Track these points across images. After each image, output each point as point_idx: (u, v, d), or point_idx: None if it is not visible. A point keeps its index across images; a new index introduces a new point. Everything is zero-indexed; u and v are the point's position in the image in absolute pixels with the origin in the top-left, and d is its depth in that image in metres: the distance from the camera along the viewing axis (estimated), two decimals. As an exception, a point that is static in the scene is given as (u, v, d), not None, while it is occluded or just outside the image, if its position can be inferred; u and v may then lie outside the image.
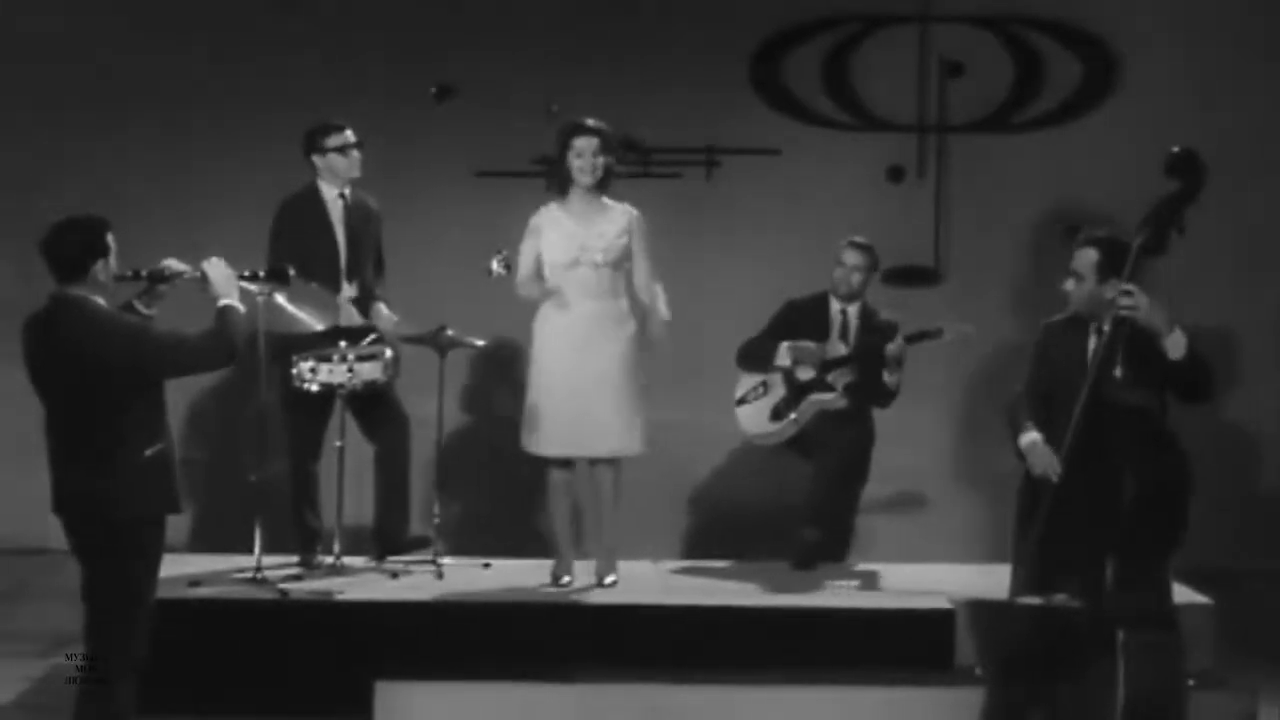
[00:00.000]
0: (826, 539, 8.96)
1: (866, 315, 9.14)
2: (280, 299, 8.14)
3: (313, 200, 8.82)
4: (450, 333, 8.77)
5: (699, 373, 9.23)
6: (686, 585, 8.70)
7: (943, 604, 8.10)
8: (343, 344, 8.54)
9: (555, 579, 8.50)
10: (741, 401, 9.09)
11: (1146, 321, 6.65)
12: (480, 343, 8.90)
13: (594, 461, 8.42)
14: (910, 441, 9.94)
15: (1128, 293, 6.60)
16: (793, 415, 8.96)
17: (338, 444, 8.65)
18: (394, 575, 8.58)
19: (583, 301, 8.31)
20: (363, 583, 8.48)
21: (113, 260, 6.50)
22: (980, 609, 7.11)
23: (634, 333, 8.37)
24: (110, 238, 6.50)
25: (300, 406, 8.66)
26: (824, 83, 10.60)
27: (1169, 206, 6.65)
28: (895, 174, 10.62)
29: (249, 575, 8.30)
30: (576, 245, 8.30)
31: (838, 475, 8.94)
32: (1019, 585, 6.77)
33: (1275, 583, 10.12)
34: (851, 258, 9.11)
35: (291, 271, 7.49)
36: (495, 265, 8.59)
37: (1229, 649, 8.11)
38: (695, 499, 10.50)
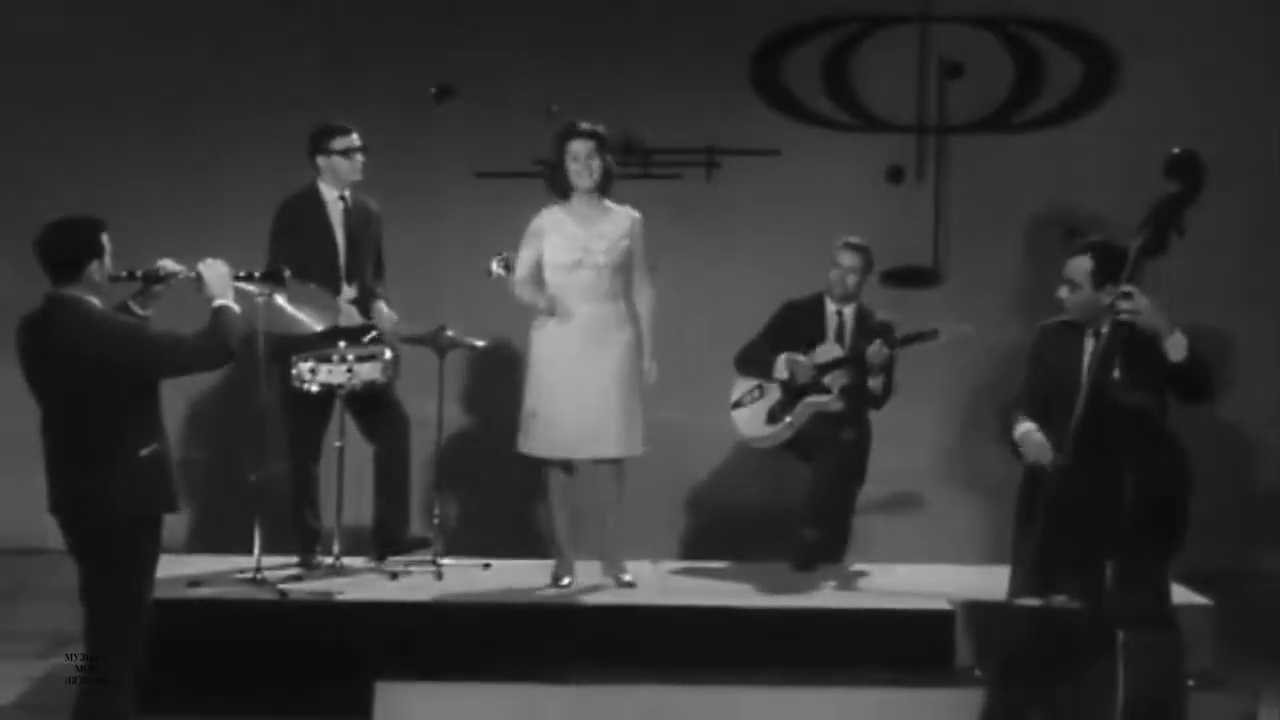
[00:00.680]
0: (826, 540, 8.96)
1: (863, 316, 9.14)
2: (280, 300, 8.15)
3: (313, 201, 8.82)
4: (450, 333, 8.77)
5: (698, 373, 9.23)
6: (686, 585, 8.70)
7: (942, 604, 8.10)
8: (342, 344, 8.54)
9: (556, 580, 8.49)
10: (737, 405, 9.09)
11: (1148, 324, 6.65)
12: (480, 343, 8.90)
13: (597, 463, 8.42)
14: (910, 442, 9.94)
15: (1128, 295, 6.60)
16: (788, 418, 8.96)
17: (338, 444, 8.65)
18: (394, 576, 8.58)
19: (584, 304, 8.30)
20: (362, 583, 8.49)
21: (107, 260, 6.50)
22: (980, 610, 7.12)
23: (633, 334, 8.37)
24: (105, 238, 6.50)
25: (300, 407, 8.66)
26: (824, 83, 10.61)
27: (1169, 207, 6.64)
28: (895, 174, 10.62)
29: (249, 576, 8.30)
30: (579, 247, 8.30)
31: (836, 476, 8.94)
32: (1018, 586, 6.77)
33: (1275, 583, 10.12)
34: (847, 259, 9.10)
35: (287, 272, 7.50)
36: (495, 265, 8.60)
37: (1229, 649, 8.11)
38: (694, 499, 10.50)
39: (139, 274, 6.68)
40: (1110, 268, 6.81)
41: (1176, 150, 6.73)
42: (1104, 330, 6.73)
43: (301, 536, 8.80)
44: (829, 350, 9.03)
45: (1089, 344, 6.92)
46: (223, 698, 7.86)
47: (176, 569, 8.23)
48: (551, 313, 8.29)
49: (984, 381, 9.94)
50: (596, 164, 8.31)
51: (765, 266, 10.10)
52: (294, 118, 9.57)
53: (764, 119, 10.54)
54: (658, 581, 8.71)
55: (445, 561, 8.69)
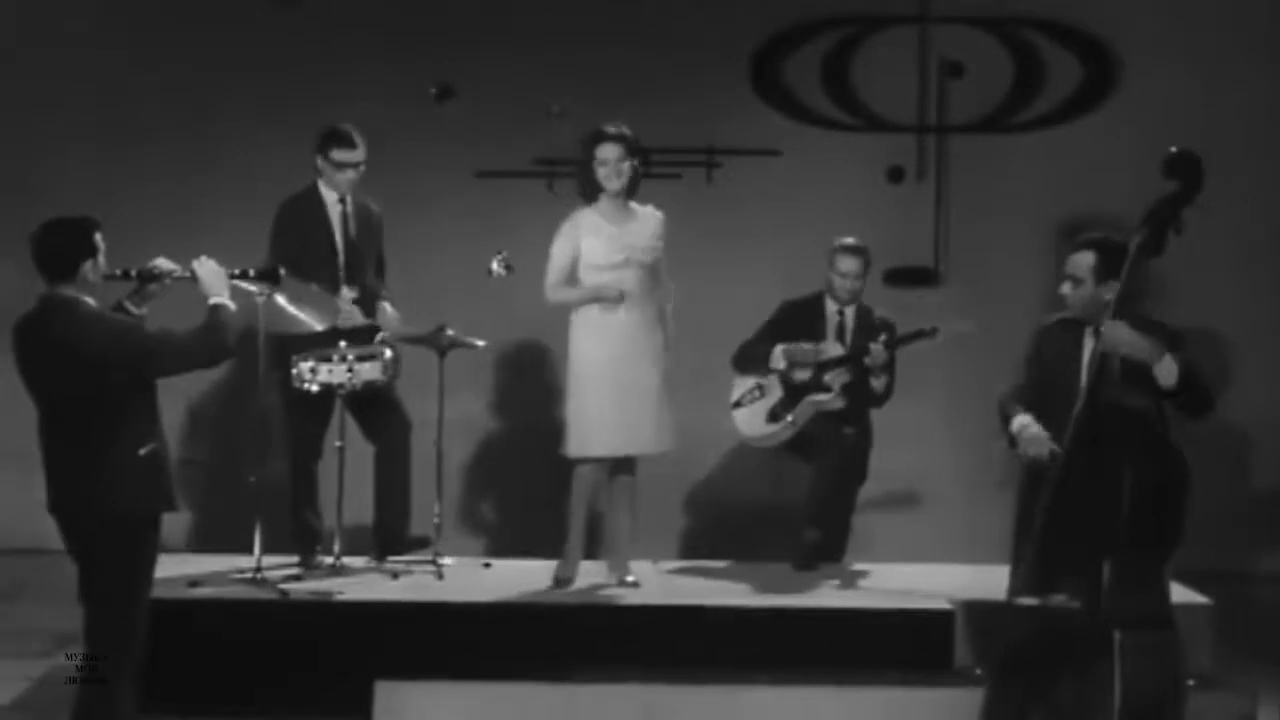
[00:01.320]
0: (826, 539, 8.96)
1: (863, 314, 9.14)
2: (280, 299, 8.15)
3: (312, 202, 8.81)
4: (450, 333, 8.76)
5: (699, 373, 9.22)
6: (686, 585, 8.70)
7: (942, 604, 8.10)
8: (343, 344, 8.54)
9: (560, 581, 8.48)
10: (737, 404, 9.09)
11: (1131, 355, 6.65)
12: (480, 343, 8.89)
13: (618, 462, 8.41)
14: (910, 442, 9.94)
15: (1107, 333, 6.61)
16: (790, 417, 8.96)
17: (338, 444, 8.65)
18: (394, 575, 8.58)
19: (632, 303, 8.31)
20: (363, 583, 8.48)
21: (102, 260, 6.50)
22: (979, 609, 7.12)
23: (664, 331, 8.41)
24: (98, 237, 6.50)
25: (300, 407, 8.66)
26: (824, 83, 10.61)
27: (1167, 207, 6.65)
28: (895, 174, 10.63)
29: (249, 575, 8.30)
30: (624, 246, 8.32)
31: (837, 475, 8.94)
32: (1018, 586, 6.77)
33: (1275, 583, 10.12)
34: (847, 264, 9.08)
35: (282, 271, 7.49)
36: (495, 265, 8.60)
37: (1228, 649, 8.11)
38: (694, 499, 10.51)
39: (134, 273, 6.68)
40: (1112, 263, 6.80)
41: (1174, 150, 6.73)
42: (1086, 388, 6.72)
43: (302, 536, 8.80)
44: (829, 348, 9.03)
45: (1089, 343, 6.91)
46: (223, 698, 7.86)
47: (176, 569, 8.23)
48: (620, 300, 8.28)
49: (984, 381, 9.86)
50: (626, 167, 8.33)
51: (765, 266, 10.10)
52: (294, 117, 9.59)
53: (764, 119, 10.54)
54: (658, 581, 8.70)
55: (445, 561, 8.69)
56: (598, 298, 8.31)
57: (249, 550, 8.38)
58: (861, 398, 9.03)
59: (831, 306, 9.14)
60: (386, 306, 8.86)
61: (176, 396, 8.49)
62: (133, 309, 6.66)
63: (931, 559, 9.25)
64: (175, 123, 10.35)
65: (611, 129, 8.36)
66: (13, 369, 6.54)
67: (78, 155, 10.28)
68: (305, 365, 8.45)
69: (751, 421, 9.06)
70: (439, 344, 8.75)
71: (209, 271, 6.65)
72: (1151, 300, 7.07)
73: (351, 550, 8.75)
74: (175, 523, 6.84)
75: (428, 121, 10.35)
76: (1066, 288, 6.99)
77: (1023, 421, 6.94)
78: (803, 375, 9.01)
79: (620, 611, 8.19)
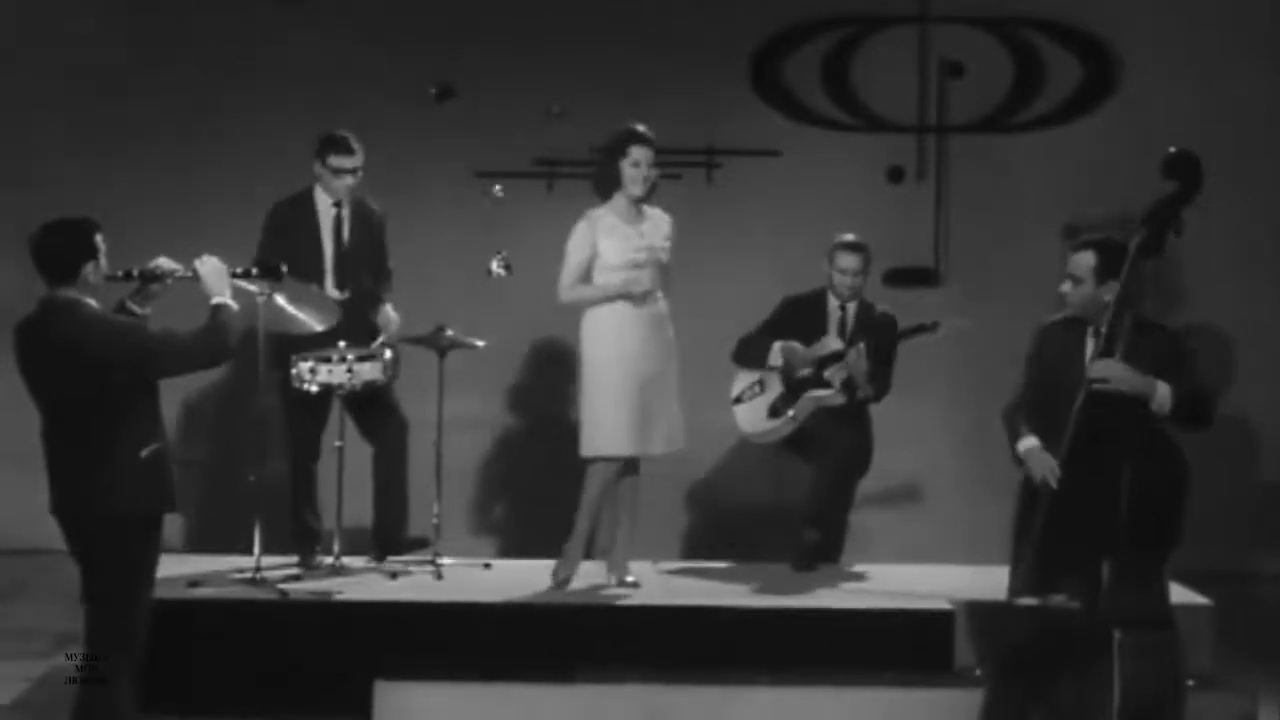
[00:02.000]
0: (826, 539, 8.96)
1: (864, 310, 9.14)
2: (280, 299, 8.15)
3: (304, 205, 8.80)
4: (450, 333, 8.76)
5: (698, 373, 9.21)
6: (686, 585, 8.69)
7: (942, 604, 8.10)
8: (342, 344, 8.53)
9: (560, 581, 8.47)
10: (738, 400, 9.08)
11: (1126, 390, 6.64)
12: (480, 343, 8.89)
13: (626, 462, 8.41)
14: (910, 442, 9.95)
15: (1098, 370, 6.61)
16: (790, 413, 8.95)
17: (338, 444, 8.65)
18: (393, 575, 8.58)
19: (649, 302, 8.31)
20: (362, 583, 8.48)
21: (103, 261, 6.49)
22: (979, 609, 7.12)
23: (673, 332, 8.43)
24: (99, 238, 6.49)
25: (298, 407, 8.66)
26: (824, 83, 10.61)
27: (1166, 207, 6.65)
28: (895, 174, 10.63)
29: (248, 575, 8.30)
30: (645, 246, 8.31)
31: (838, 474, 8.94)
32: (1017, 586, 6.77)
33: (1275, 583, 10.12)
34: (846, 260, 9.08)
35: (284, 268, 7.48)
36: (495, 265, 8.60)
37: (1228, 650, 8.11)
38: (694, 499, 10.51)
39: (136, 273, 6.67)
40: (1113, 263, 6.80)
41: (1174, 150, 6.73)
42: (1103, 329, 6.72)
43: (301, 536, 8.80)
44: (830, 344, 9.03)
45: (1090, 342, 6.91)
46: (223, 698, 7.86)
47: (176, 569, 8.23)
48: (644, 296, 8.28)
49: (984, 381, 9.91)
50: (653, 173, 8.33)
51: (765, 266, 10.10)
52: (294, 117, 9.58)
53: (764, 119, 10.54)
54: (658, 581, 8.70)
55: (445, 561, 8.69)
56: (623, 294, 8.28)
57: (249, 550, 8.38)
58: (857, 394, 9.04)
59: (833, 302, 9.14)
60: (389, 310, 8.85)
61: (176, 397, 8.48)
62: (135, 309, 6.65)
63: (931, 559, 9.25)
64: (175, 122, 10.35)
65: (645, 130, 8.33)
66: (13, 370, 6.54)
67: (78, 155, 10.28)
68: (305, 365, 8.44)
69: (752, 417, 9.06)
70: (438, 344, 8.74)
71: (211, 271, 6.64)
72: (1152, 300, 7.06)
73: (351, 550, 8.75)
74: (175, 523, 6.84)
75: (428, 121, 10.35)
76: (1067, 287, 6.98)
77: (1029, 445, 6.91)
78: (803, 371, 9.01)
79: (620, 612, 8.19)
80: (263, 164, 9.80)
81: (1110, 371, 6.63)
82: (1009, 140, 10.62)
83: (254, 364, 8.30)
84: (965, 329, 9.06)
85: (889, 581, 8.75)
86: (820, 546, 8.95)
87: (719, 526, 10.41)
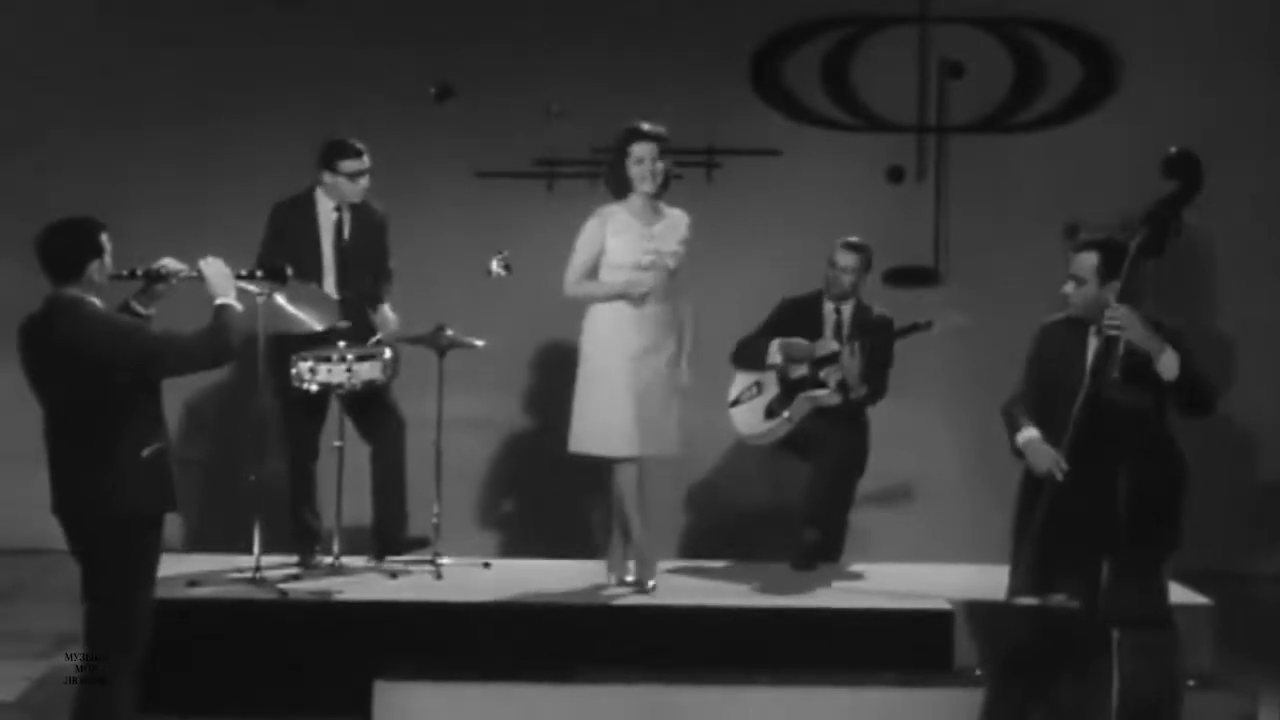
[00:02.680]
0: (826, 539, 8.96)
1: (860, 312, 9.15)
2: (280, 299, 8.15)
3: (305, 208, 8.79)
4: (450, 333, 8.76)
5: (698, 372, 9.22)
6: (686, 585, 8.69)
7: (942, 604, 8.10)
8: (341, 344, 8.53)
9: (619, 579, 8.41)
10: (735, 402, 9.09)
11: (1136, 341, 6.64)
12: (480, 343, 8.89)
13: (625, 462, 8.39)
14: (910, 441, 9.95)
15: (1115, 313, 6.61)
16: (786, 413, 8.96)
17: (337, 444, 8.65)
18: (393, 575, 8.58)
19: (651, 303, 8.28)
20: (362, 583, 8.48)
21: (107, 260, 6.49)
22: (979, 609, 7.12)
23: (679, 336, 8.38)
24: (104, 238, 6.49)
25: (296, 407, 8.66)
26: (824, 83, 10.61)
27: (1166, 207, 6.65)
28: (895, 174, 10.63)
29: (248, 575, 8.29)
30: (653, 249, 8.27)
31: (836, 473, 8.94)
32: (1017, 585, 6.77)
33: (1275, 583, 10.12)
34: (844, 259, 9.11)
35: (289, 270, 7.48)
36: (495, 265, 8.59)
37: (1229, 649, 8.11)
38: (694, 499, 10.51)
39: (140, 273, 6.68)
40: (1116, 264, 6.80)
41: (1174, 150, 6.73)
42: (1087, 387, 6.72)
43: (301, 536, 8.80)
44: (826, 345, 9.03)
45: (1092, 342, 6.91)
46: (223, 698, 7.86)
47: (176, 569, 8.22)
48: (644, 300, 8.24)
49: (984, 381, 9.89)
50: (660, 167, 8.29)
51: (765, 266, 10.10)
52: (294, 118, 9.58)
53: (764, 119, 10.54)
54: (658, 581, 8.69)
55: (445, 561, 8.69)
56: (623, 295, 8.26)
57: (248, 550, 8.37)
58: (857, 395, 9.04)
59: (829, 305, 9.15)
60: (387, 311, 8.85)
61: (175, 396, 8.45)
62: (140, 309, 6.65)
63: (931, 559, 9.25)
64: (177, 123, 10.34)
65: (648, 127, 8.29)
66: (15, 369, 6.54)
67: (79, 155, 10.28)
68: (305, 365, 8.44)
69: (749, 419, 9.06)
70: (438, 344, 8.74)
71: (215, 272, 6.64)
72: (1152, 300, 7.06)
73: (351, 550, 8.75)
74: (174, 522, 6.84)
75: (428, 121, 10.35)
76: (1070, 287, 6.97)
77: (1029, 436, 6.92)
78: (799, 371, 9.01)
79: (620, 611, 8.18)
80: (264, 164, 9.80)
81: (1126, 318, 6.61)
82: (1009, 140, 10.62)
83: (254, 364, 8.30)
84: (962, 326, 9.07)
85: (888, 581, 8.74)
86: (819, 546, 8.95)
87: (718, 527, 10.41)
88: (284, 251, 8.47)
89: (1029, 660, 6.68)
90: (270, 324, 8.21)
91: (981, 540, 8.98)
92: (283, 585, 8.25)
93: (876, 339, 9.00)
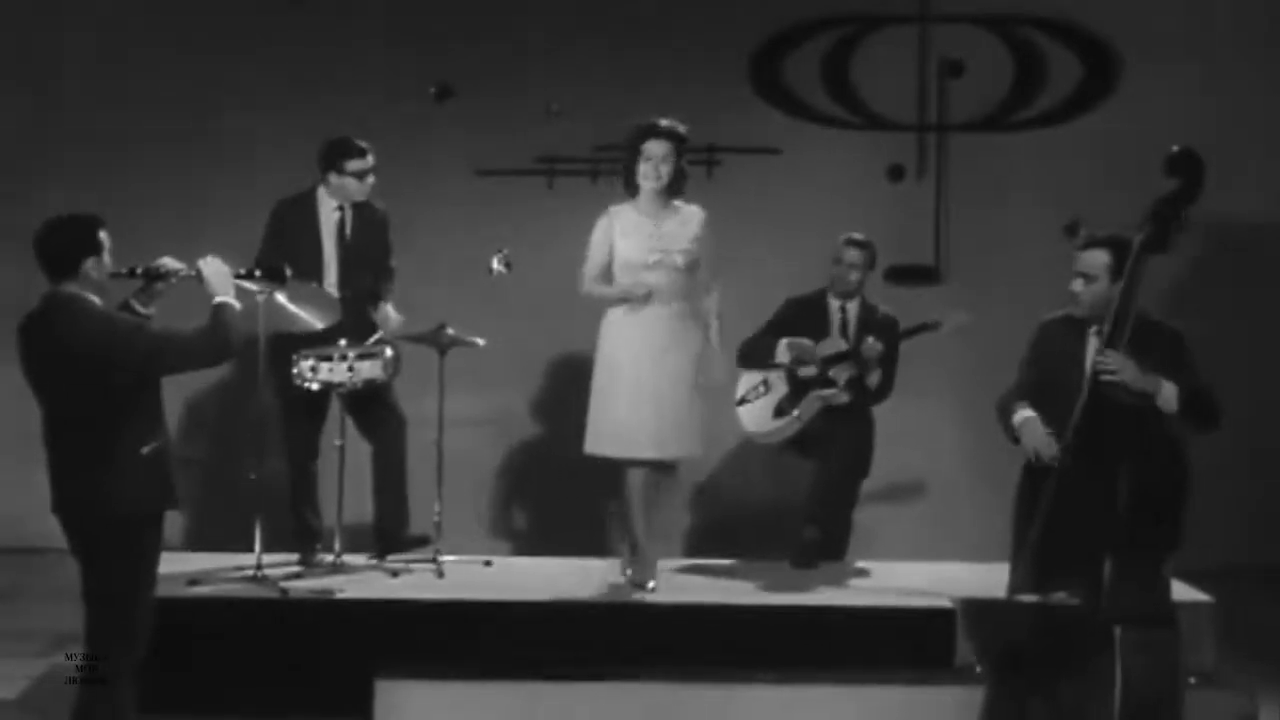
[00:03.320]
0: (827, 537, 8.96)
1: (866, 311, 9.15)
2: (280, 298, 8.15)
3: (307, 207, 8.79)
4: (450, 332, 8.76)
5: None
6: (688, 583, 8.69)
7: (943, 603, 8.09)
8: (342, 342, 8.53)
9: (639, 584, 8.36)
10: (743, 401, 9.09)
11: (1131, 384, 6.64)
12: (480, 342, 8.88)
13: (657, 465, 8.35)
14: (913, 439, 9.95)
15: (1107, 360, 6.61)
16: (795, 412, 8.96)
17: (338, 443, 8.65)
18: (394, 574, 8.58)
19: (659, 303, 8.24)
20: (363, 581, 8.48)
21: (106, 258, 6.49)
22: (980, 606, 7.11)
23: (699, 335, 8.33)
24: (103, 235, 6.48)
25: (296, 406, 8.66)
26: (824, 82, 10.61)
27: (1169, 206, 6.65)
28: (895, 173, 10.63)
29: (249, 574, 8.30)
30: (660, 247, 8.23)
31: (840, 472, 8.94)
32: (1018, 583, 6.77)
33: (1275, 582, 10.12)
34: (849, 255, 9.13)
35: (288, 270, 7.48)
36: (496, 263, 8.59)
37: (1229, 648, 8.10)
38: (697, 497, 10.50)
39: (139, 271, 6.67)
40: (1125, 261, 6.79)
41: (1176, 148, 6.73)
42: (1106, 328, 6.72)
43: (301, 534, 8.80)
44: (833, 344, 9.04)
45: (1092, 341, 6.90)
46: (223, 697, 7.86)
47: (176, 567, 8.21)
48: (647, 299, 8.21)
49: (987, 379, 9.87)
50: (668, 168, 8.23)
51: (766, 265, 10.10)
52: (294, 118, 9.57)
53: (764, 118, 10.54)
54: (659, 581, 8.69)
55: (446, 559, 8.69)
56: (625, 297, 8.24)
57: (249, 548, 8.37)
58: (862, 394, 9.04)
59: (834, 303, 9.15)
60: (388, 310, 8.85)
61: (175, 395, 8.44)
62: (139, 308, 6.64)
63: (932, 557, 9.25)
64: (177, 122, 10.34)
65: (662, 123, 8.23)
66: (13, 367, 6.53)
67: (80, 155, 10.27)
68: (306, 364, 8.44)
69: (756, 417, 9.06)
70: (439, 342, 8.74)
71: (214, 271, 6.64)
72: (1152, 300, 7.06)
73: (352, 548, 8.75)
74: (174, 521, 6.83)
75: (428, 121, 10.34)
76: (1078, 285, 6.95)
77: (1025, 415, 6.93)
78: (808, 371, 9.01)
79: (620, 611, 8.18)
80: (264, 163, 9.81)
81: (1120, 364, 6.62)
82: (1009, 139, 10.62)
83: (254, 363, 8.30)
84: (967, 324, 9.07)
85: (890, 579, 8.75)
86: (819, 544, 8.94)
87: (721, 526, 10.40)
88: (284, 249, 8.48)
89: (1030, 658, 6.67)
90: (271, 323, 8.22)
91: (983, 538, 8.98)
92: (284, 584, 8.25)
93: (883, 339, 9.00)
